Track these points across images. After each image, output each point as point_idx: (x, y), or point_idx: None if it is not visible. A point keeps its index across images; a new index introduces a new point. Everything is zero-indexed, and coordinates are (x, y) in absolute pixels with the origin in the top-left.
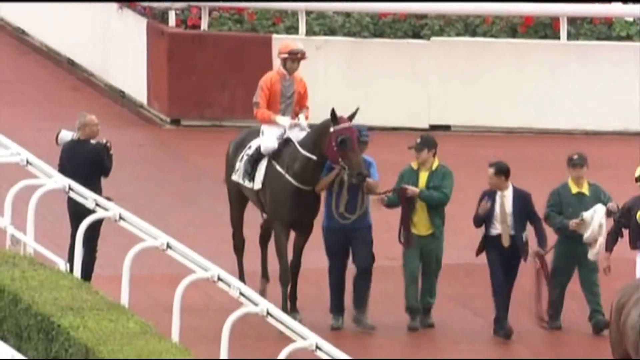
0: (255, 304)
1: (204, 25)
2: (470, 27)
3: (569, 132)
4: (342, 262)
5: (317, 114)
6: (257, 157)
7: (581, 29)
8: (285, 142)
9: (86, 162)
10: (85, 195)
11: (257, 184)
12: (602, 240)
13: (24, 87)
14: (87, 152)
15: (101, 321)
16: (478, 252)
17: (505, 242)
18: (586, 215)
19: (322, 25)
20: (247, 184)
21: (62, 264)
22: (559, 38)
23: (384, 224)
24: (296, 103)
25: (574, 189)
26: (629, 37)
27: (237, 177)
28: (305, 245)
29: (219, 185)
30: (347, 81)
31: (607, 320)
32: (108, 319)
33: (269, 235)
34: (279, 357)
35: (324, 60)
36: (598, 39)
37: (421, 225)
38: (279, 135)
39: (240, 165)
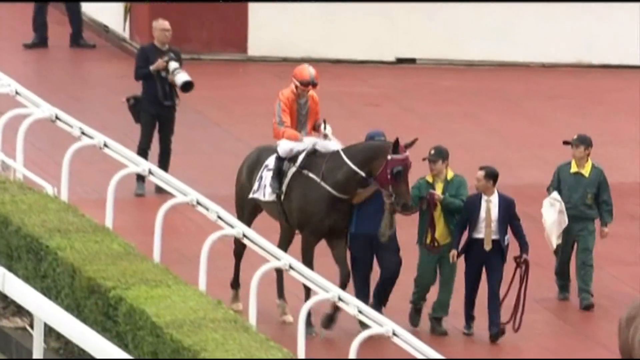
0: (232, 226)
1: None
2: None
3: (527, 64)
4: (366, 269)
5: (283, 44)
6: (279, 168)
7: None
8: (314, 152)
9: None
10: (70, 124)
11: (275, 195)
12: (554, 230)
13: (14, 24)
14: None
15: (87, 242)
16: (459, 254)
17: (487, 245)
18: (547, 202)
19: None
20: (270, 198)
21: (49, 189)
22: None
23: None
24: (310, 118)
25: (574, 169)
26: None
27: (257, 195)
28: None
29: (198, 115)
30: (314, 15)
31: (592, 302)
32: (93, 241)
33: (243, 250)
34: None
35: None
36: None
37: (439, 234)
38: (296, 143)
39: (260, 183)
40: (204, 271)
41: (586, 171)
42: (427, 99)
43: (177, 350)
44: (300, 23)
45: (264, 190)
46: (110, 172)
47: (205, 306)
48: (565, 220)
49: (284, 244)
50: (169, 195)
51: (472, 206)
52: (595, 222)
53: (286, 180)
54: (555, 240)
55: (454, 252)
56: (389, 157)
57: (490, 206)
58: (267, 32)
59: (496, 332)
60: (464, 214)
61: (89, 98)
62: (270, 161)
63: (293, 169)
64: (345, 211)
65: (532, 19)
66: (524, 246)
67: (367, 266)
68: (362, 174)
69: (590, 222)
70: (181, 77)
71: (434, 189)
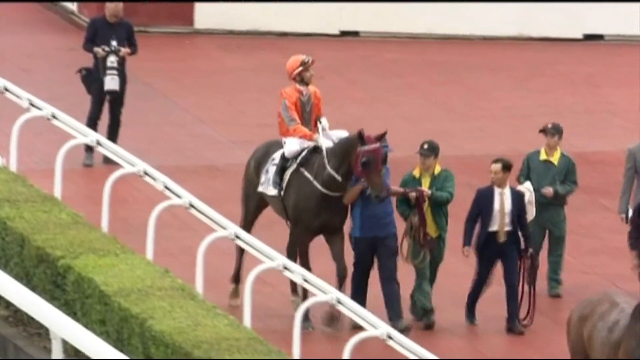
0: (179, 197)
1: None
2: None
3: (469, 37)
4: (366, 271)
5: (229, 17)
6: (282, 165)
7: None
8: (314, 150)
9: None
10: (19, 95)
11: (282, 191)
12: (532, 214)
13: None
14: None
15: (36, 212)
16: (477, 247)
17: (502, 237)
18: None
19: None
20: (272, 192)
21: None
22: None
23: None
24: (313, 115)
25: (543, 156)
26: None
27: (263, 188)
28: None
29: (146, 86)
30: None
31: (560, 292)
32: (42, 210)
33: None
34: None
35: None
36: None
37: (429, 228)
38: (302, 142)
39: (266, 177)
40: (151, 240)
41: (555, 159)
42: (371, 72)
43: (125, 318)
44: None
45: (268, 184)
46: (59, 143)
47: (152, 275)
48: (533, 213)
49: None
50: (117, 165)
51: (484, 200)
52: (565, 209)
53: (286, 177)
54: None
55: (465, 249)
56: (358, 149)
57: (504, 199)
58: (213, 4)
59: (514, 325)
60: (474, 208)
61: (38, 70)
62: (277, 155)
63: (293, 166)
64: (337, 209)
65: None
66: (528, 239)
67: (366, 267)
68: (338, 178)
69: (560, 209)
70: (108, 83)
71: (420, 183)
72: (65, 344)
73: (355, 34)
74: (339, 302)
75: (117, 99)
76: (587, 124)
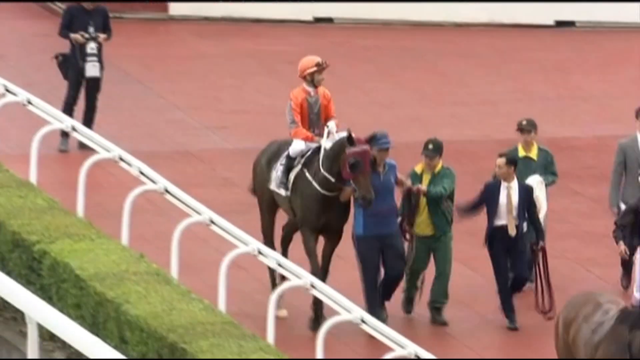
0: (154, 182)
1: None
2: None
3: (441, 24)
4: (375, 272)
5: (204, 3)
6: (288, 165)
7: None
8: (317, 150)
9: None
10: None
11: (288, 191)
12: (542, 203)
13: None
14: None
15: (11, 197)
16: (486, 242)
17: (512, 231)
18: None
19: None
20: (281, 191)
21: None
22: None
23: None
24: (322, 116)
25: (522, 153)
26: None
27: (273, 186)
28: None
29: (121, 72)
30: None
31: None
32: (18, 196)
33: (290, 239)
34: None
35: None
36: None
37: (424, 225)
38: (308, 142)
39: (275, 175)
40: (126, 225)
41: (534, 154)
42: (345, 58)
43: (101, 302)
44: None
45: (276, 182)
46: (34, 129)
47: (127, 259)
48: (544, 206)
49: (285, 240)
50: (92, 151)
51: (490, 194)
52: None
53: (291, 178)
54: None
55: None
56: (347, 151)
57: (511, 192)
58: None
59: (512, 319)
60: (478, 199)
61: (13, 56)
62: (285, 155)
63: (298, 167)
64: (337, 209)
65: None
66: (539, 233)
67: (376, 268)
68: (332, 179)
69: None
70: (90, 70)
71: (421, 180)
72: (41, 328)
73: (329, 20)
74: (313, 286)
75: (95, 85)
76: (558, 110)
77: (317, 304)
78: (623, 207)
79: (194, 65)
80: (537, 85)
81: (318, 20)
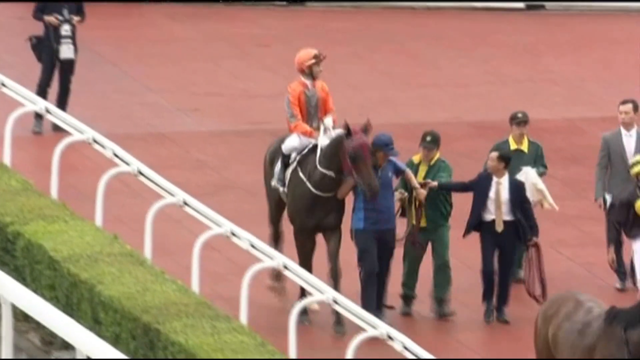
0: (128, 164)
1: None
2: None
3: (412, 7)
4: (373, 264)
5: None
6: (285, 161)
7: None
8: (314, 149)
9: None
10: None
11: (285, 187)
12: (546, 194)
13: None
14: None
15: None
16: (465, 234)
17: (499, 227)
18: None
19: None
20: (280, 188)
21: None
22: None
23: None
24: (321, 109)
25: (513, 146)
26: None
27: (274, 182)
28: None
29: (97, 55)
30: None
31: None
32: None
33: (279, 235)
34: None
35: None
36: None
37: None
38: (302, 139)
39: (275, 171)
40: (100, 207)
41: (525, 147)
42: (317, 40)
43: (74, 283)
44: None
45: (276, 178)
46: (8, 111)
47: (101, 241)
48: (546, 198)
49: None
50: (66, 133)
51: (481, 186)
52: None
53: (287, 175)
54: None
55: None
56: (345, 145)
57: (500, 188)
58: None
59: (501, 314)
60: (467, 185)
61: None
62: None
63: (293, 165)
64: (331, 208)
65: None
66: (533, 229)
67: (374, 261)
68: (331, 174)
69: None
70: (65, 52)
71: (417, 170)
72: (15, 308)
73: (301, 2)
74: (286, 267)
75: (69, 68)
76: (529, 92)
77: (337, 314)
78: (608, 198)
79: (168, 47)
80: (508, 67)
81: (291, 2)
